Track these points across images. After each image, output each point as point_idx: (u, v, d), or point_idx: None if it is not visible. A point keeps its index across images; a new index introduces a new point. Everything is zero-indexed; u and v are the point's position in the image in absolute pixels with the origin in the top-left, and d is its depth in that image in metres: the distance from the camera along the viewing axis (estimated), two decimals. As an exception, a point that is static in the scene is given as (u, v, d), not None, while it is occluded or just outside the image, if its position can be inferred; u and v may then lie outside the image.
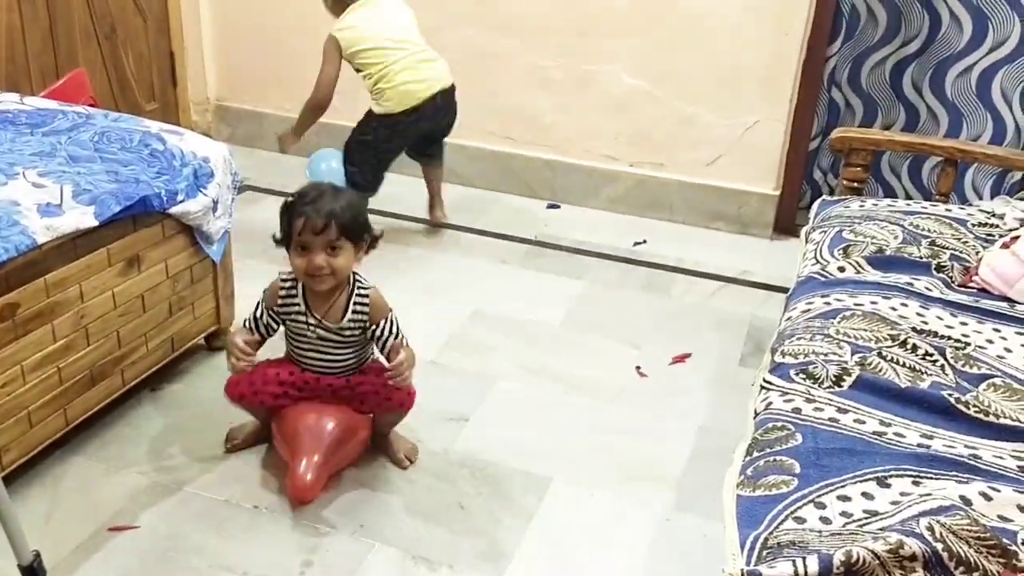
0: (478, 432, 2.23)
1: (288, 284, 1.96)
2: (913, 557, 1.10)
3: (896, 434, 1.42)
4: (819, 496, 1.26)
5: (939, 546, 1.12)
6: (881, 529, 1.18)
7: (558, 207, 3.63)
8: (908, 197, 3.52)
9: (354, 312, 1.94)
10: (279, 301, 1.96)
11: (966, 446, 1.40)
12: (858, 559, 1.09)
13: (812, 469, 1.32)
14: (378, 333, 1.96)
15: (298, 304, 1.95)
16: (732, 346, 2.69)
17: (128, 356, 2.12)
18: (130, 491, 1.97)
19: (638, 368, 2.54)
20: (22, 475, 1.95)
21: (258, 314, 1.98)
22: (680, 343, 2.69)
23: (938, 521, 1.16)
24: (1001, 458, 1.38)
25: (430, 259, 3.16)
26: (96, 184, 1.98)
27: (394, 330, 1.97)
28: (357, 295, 1.94)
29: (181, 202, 2.13)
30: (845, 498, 1.26)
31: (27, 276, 1.81)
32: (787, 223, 3.49)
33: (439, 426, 2.23)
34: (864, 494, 1.27)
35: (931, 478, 1.30)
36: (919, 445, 1.39)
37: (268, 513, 1.93)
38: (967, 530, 1.15)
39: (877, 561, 1.09)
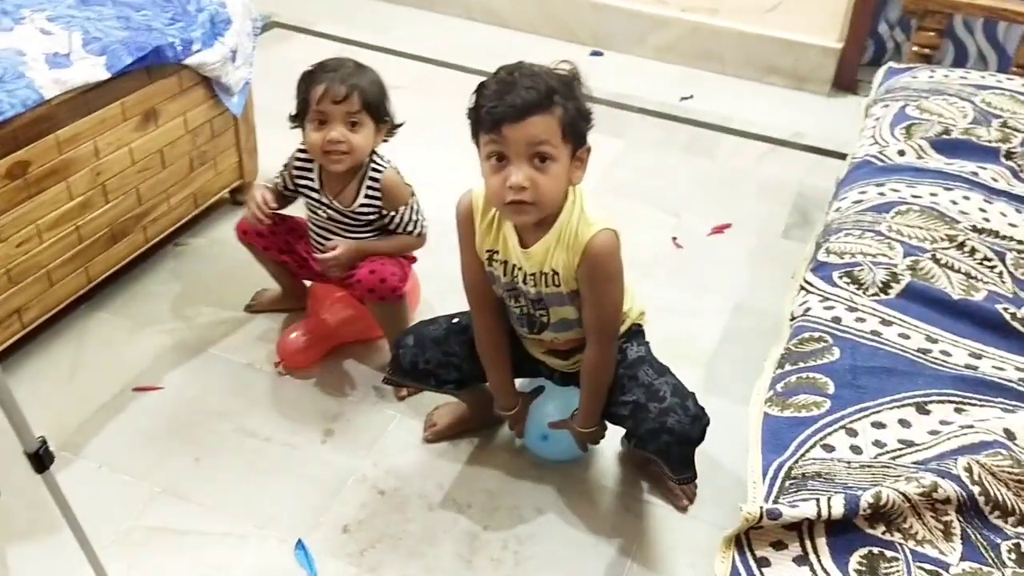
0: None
1: (304, 156, 1.81)
2: (947, 500, 1.04)
3: (942, 352, 1.33)
4: (852, 422, 1.20)
5: (976, 489, 1.06)
6: (915, 463, 1.12)
7: (601, 55, 3.41)
8: (981, 58, 3.26)
9: (367, 196, 1.78)
10: (295, 173, 1.83)
11: (1017, 368, 1.31)
12: (887, 501, 1.02)
13: (847, 390, 1.24)
14: (393, 224, 1.81)
15: (312, 180, 1.81)
16: (776, 216, 2.57)
17: (149, 213, 2.07)
18: (155, 350, 1.96)
19: (674, 238, 2.44)
20: (45, 331, 1.95)
21: (283, 171, 1.86)
22: (721, 211, 2.56)
23: (977, 461, 1.09)
24: (1053, 383, 1.29)
25: (454, 109, 3.01)
26: (107, 32, 1.86)
27: (411, 221, 1.81)
28: (370, 177, 1.77)
29: (197, 52, 2.01)
30: (880, 425, 1.19)
31: (37, 133, 1.73)
32: (848, 80, 3.27)
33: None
34: (901, 421, 1.20)
35: (975, 404, 1.23)
36: (966, 366, 1.30)
37: (290, 379, 1.92)
38: (1007, 472, 1.09)
39: (908, 504, 1.03)
